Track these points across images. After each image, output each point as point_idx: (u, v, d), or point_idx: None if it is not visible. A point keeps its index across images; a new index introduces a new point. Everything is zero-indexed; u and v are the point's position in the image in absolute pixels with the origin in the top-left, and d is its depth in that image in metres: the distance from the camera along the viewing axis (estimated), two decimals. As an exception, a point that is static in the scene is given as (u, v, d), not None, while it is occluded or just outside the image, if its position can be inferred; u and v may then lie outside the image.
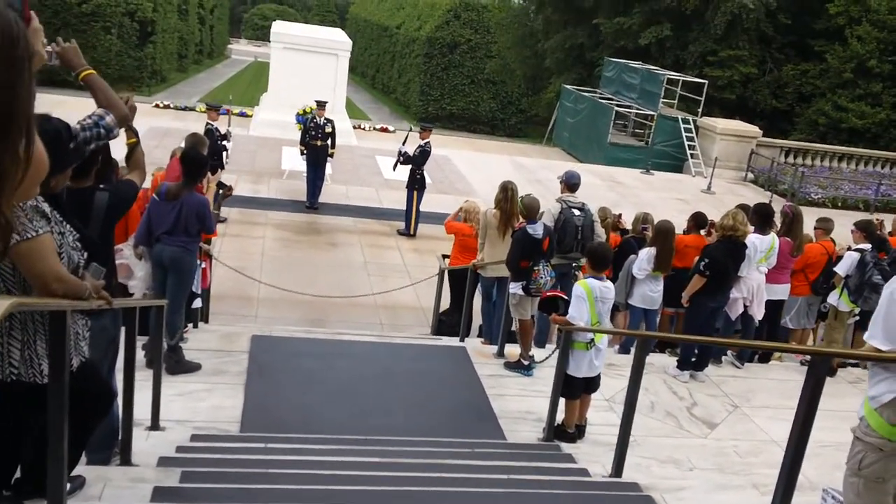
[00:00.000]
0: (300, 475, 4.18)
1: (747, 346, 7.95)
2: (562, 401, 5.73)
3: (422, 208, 13.50)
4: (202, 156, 6.22)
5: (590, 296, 5.67)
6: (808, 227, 8.79)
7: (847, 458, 3.19)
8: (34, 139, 1.35)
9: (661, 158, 23.56)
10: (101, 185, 3.59)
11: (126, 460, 4.09)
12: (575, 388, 5.78)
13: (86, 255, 2.87)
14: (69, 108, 3.42)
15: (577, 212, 7.76)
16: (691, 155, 23.29)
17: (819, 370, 3.22)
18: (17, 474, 3.10)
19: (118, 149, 3.95)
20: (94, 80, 3.24)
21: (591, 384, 5.90)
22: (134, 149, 3.82)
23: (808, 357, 4.74)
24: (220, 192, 9.39)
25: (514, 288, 7.09)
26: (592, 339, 5.78)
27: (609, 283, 5.93)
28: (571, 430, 5.86)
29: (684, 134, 23.70)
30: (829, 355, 3.59)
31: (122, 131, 3.69)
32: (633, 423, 4.85)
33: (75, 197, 3.29)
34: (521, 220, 7.24)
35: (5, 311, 1.91)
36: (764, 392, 7.20)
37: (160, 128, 18.84)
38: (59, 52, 3.21)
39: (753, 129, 23.67)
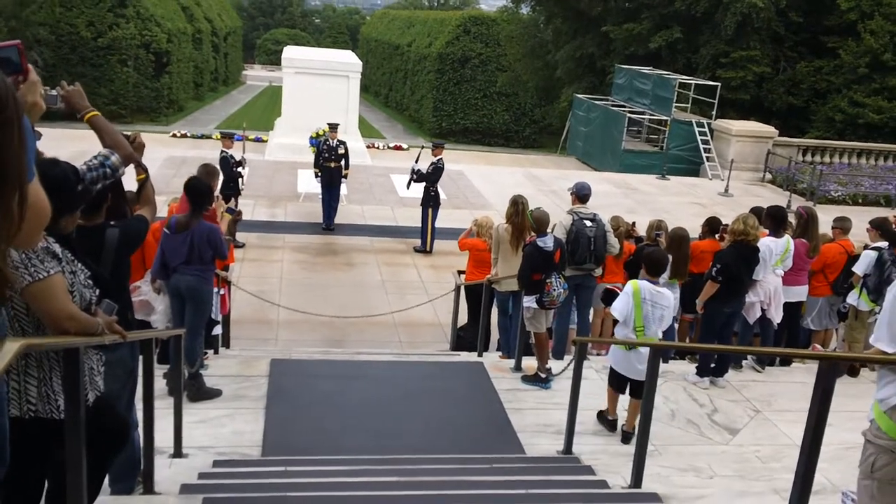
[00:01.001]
0: (319, 497, 4.22)
1: (752, 351, 7.95)
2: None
3: (437, 224, 13.56)
4: (204, 184, 6.32)
5: (636, 295, 5.88)
6: (828, 226, 8.71)
7: (860, 461, 3.18)
8: (27, 195, 1.41)
9: (676, 163, 23.49)
10: (112, 223, 3.68)
11: (149, 489, 4.16)
12: (614, 380, 6.17)
13: (98, 292, 2.95)
14: (91, 143, 3.52)
15: (588, 223, 7.76)
16: (707, 158, 23.19)
17: (828, 376, 3.21)
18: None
19: (129, 185, 4.06)
20: (99, 122, 3.34)
21: (635, 387, 5.98)
22: (144, 185, 3.92)
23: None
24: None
25: (528, 302, 7.12)
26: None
27: (665, 290, 6.09)
28: (612, 417, 6.24)
29: (699, 137, 23.62)
30: (837, 360, 3.57)
31: (132, 167, 3.81)
32: (650, 432, 4.85)
33: (86, 234, 3.39)
34: (532, 233, 7.27)
35: (16, 353, 1.99)
36: (786, 396, 7.13)
37: (177, 157, 19.11)
38: (64, 95, 3.31)
39: (769, 129, 23.53)
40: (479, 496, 4.44)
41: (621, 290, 6.25)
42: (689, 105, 25.88)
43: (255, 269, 11.87)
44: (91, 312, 2.88)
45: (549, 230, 7.22)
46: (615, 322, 6.40)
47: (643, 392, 5.73)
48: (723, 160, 22.49)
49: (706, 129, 23.81)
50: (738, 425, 6.56)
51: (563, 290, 7.03)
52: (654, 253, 6.31)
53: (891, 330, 2.94)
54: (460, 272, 9.77)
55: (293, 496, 4.23)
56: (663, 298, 5.96)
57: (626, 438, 6.07)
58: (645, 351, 5.75)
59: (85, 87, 3.58)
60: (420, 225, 13.69)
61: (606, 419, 6.27)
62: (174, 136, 25.84)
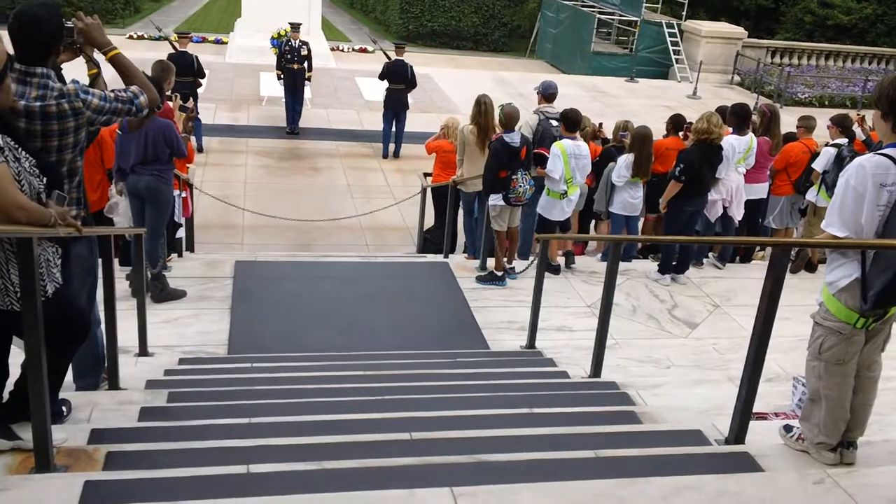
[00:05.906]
0: (284, 390, 4.29)
1: (712, 241, 8.12)
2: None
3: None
4: (153, 80, 6.06)
5: (564, 154, 7.16)
6: (793, 127, 8.73)
7: (808, 343, 3.28)
8: None
9: (646, 65, 23.21)
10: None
11: (114, 385, 4.18)
12: (549, 229, 7.31)
13: (45, 180, 2.85)
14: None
15: (555, 122, 7.70)
16: (676, 60, 22.95)
17: (779, 264, 3.27)
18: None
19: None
20: (123, 60, 3.29)
21: (565, 226, 7.56)
22: (95, 80, 3.76)
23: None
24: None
25: (495, 199, 7.11)
26: (565, 192, 7.30)
27: (582, 144, 7.39)
28: (555, 263, 7.46)
29: (668, 39, 23.28)
30: (789, 245, 3.64)
31: (83, 62, 3.67)
32: (609, 324, 4.95)
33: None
34: (499, 130, 7.21)
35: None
36: (745, 291, 7.30)
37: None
38: (83, 28, 3.17)
39: (739, 31, 23.26)
40: (442, 387, 4.54)
41: (548, 153, 7.33)
42: (659, 5, 25.39)
43: (217, 174, 11.68)
44: (42, 203, 2.80)
45: (516, 127, 7.15)
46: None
47: (570, 225, 7.70)
48: (692, 62, 22.29)
49: (676, 31, 23.45)
50: (697, 319, 6.75)
51: (530, 187, 7.05)
52: (569, 112, 7.32)
53: (841, 215, 2.98)
54: (427, 175, 9.70)
55: (259, 389, 4.29)
56: (582, 151, 7.29)
57: (569, 260, 7.64)
58: (574, 198, 7.44)
59: (38, -13, 3.40)
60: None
61: (551, 265, 7.30)
62: (131, 37, 24.86)
